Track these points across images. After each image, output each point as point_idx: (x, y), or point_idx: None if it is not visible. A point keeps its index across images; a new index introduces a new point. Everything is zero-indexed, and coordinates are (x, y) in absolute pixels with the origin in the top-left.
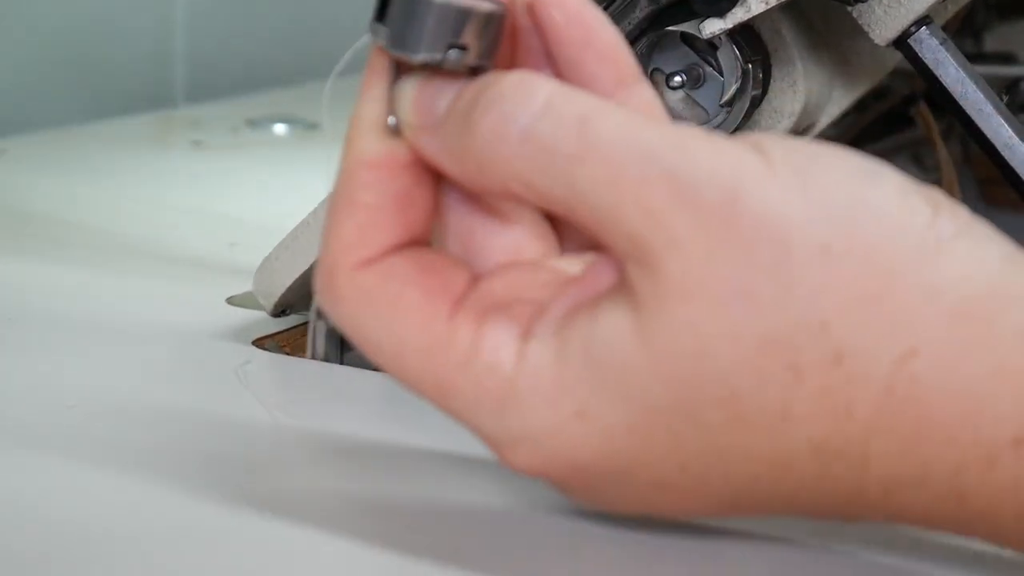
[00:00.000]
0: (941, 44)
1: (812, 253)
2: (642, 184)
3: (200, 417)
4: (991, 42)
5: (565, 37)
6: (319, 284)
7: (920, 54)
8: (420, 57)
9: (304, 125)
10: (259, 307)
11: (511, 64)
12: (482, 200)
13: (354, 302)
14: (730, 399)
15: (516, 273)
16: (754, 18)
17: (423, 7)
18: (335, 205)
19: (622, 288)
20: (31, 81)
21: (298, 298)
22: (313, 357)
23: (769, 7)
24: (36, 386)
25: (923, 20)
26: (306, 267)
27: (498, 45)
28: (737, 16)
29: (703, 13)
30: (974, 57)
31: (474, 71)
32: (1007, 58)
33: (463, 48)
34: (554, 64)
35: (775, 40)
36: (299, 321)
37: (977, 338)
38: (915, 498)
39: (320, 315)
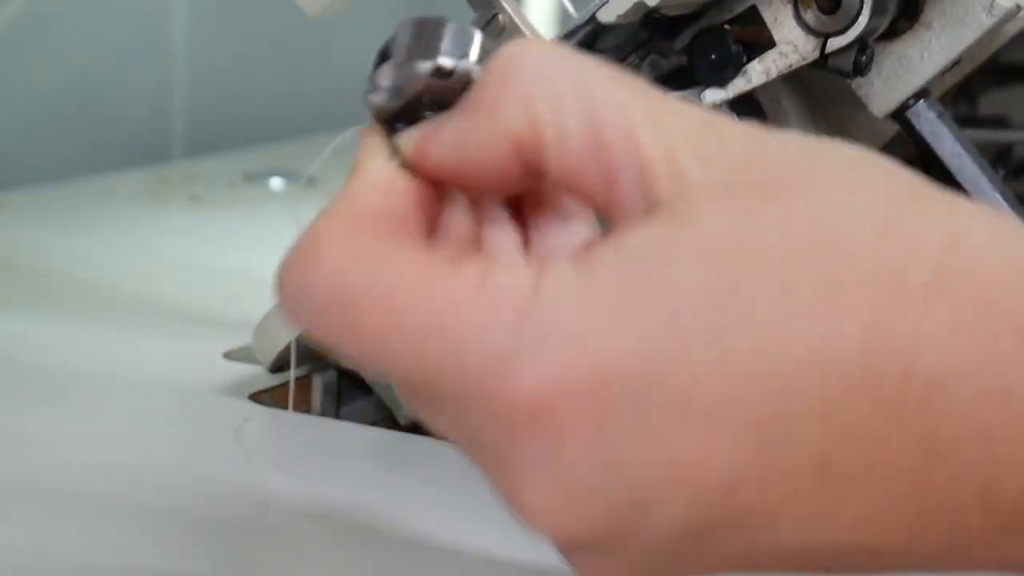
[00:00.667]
0: (938, 117)
1: None
2: None
3: (196, 476)
4: (986, 106)
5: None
6: (292, 258)
7: (917, 127)
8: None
9: (301, 180)
10: (255, 361)
11: None
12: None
13: (342, 250)
14: (780, 279)
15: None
16: (755, 88)
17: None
18: (333, 203)
19: (635, 219)
20: (30, 135)
21: (297, 354)
22: (309, 412)
23: (770, 78)
24: (33, 442)
25: (921, 93)
26: None
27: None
28: (738, 86)
29: (704, 82)
30: (969, 120)
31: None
32: (1001, 122)
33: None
34: None
35: (775, 109)
36: (297, 374)
37: (1017, 231)
38: (956, 400)
39: (319, 370)
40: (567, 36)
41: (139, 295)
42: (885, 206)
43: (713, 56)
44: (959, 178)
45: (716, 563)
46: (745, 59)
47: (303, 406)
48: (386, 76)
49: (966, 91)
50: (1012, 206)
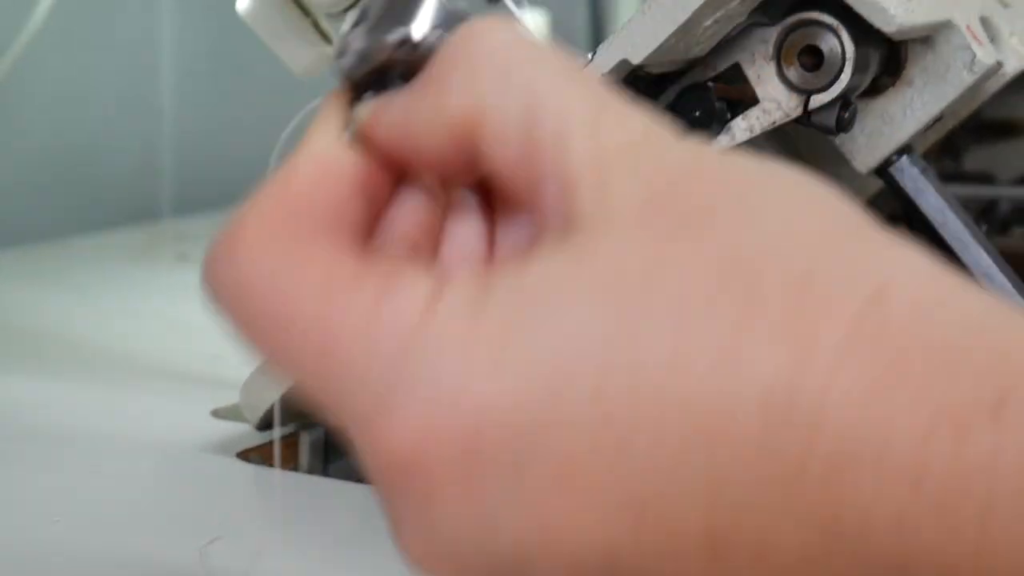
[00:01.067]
0: (922, 172)
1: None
2: None
3: (184, 534)
4: (970, 162)
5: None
6: (215, 242)
7: (901, 182)
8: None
9: None
10: (243, 419)
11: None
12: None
13: (253, 247)
14: (677, 328)
15: (428, 218)
16: (739, 144)
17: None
18: (261, 192)
19: (554, 233)
20: (18, 194)
21: (284, 412)
22: (297, 469)
23: (754, 135)
24: (20, 500)
25: (904, 149)
26: (292, 384)
27: None
28: (722, 143)
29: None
30: (954, 176)
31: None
32: (986, 178)
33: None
34: None
35: None
36: (283, 433)
37: (955, 287)
38: (863, 480)
39: (306, 428)
40: None
41: (127, 353)
42: (810, 247)
43: (697, 113)
44: (943, 233)
45: None
46: (729, 116)
47: (291, 464)
48: (356, 40)
49: (951, 147)
50: (996, 262)
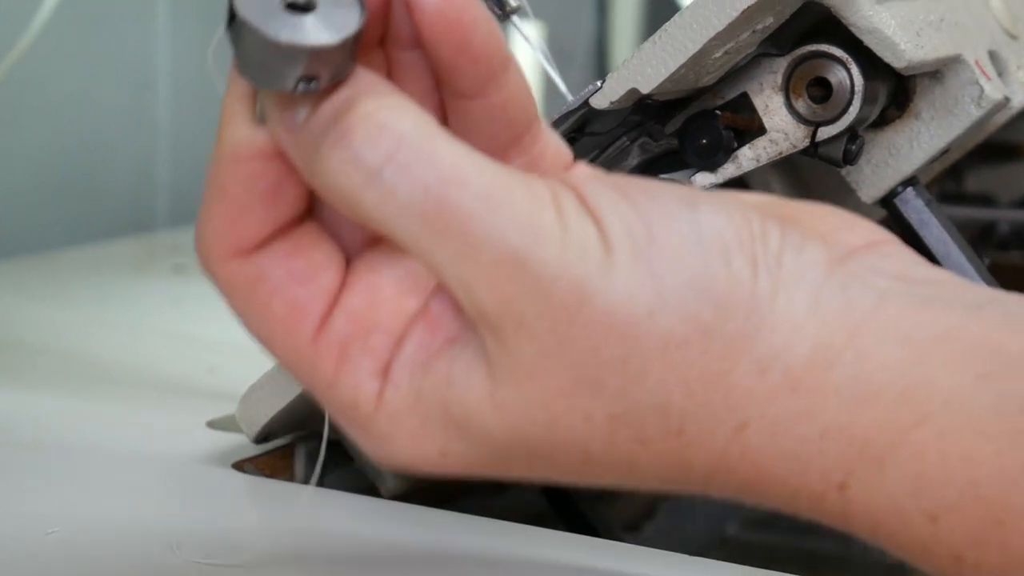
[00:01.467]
0: (926, 204)
1: (655, 347)
2: (495, 269)
3: (179, 545)
4: (972, 183)
5: (438, 35)
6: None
7: (905, 214)
8: (268, 90)
9: None
10: (239, 430)
11: (382, 58)
12: None
13: (228, 291)
14: (582, 459)
15: (375, 288)
16: (745, 172)
17: (262, 47)
18: (207, 193)
19: (474, 344)
20: (14, 205)
21: (282, 426)
22: (292, 480)
23: (760, 164)
24: (15, 512)
25: (909, 180)
26: (291, 398)
27: (355, 56)
28: (727, 172)
29: (695, 165)
30: (954, 197)
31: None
32: (987, 200)
33: (313, 78)
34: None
35: (765, 193)
36: (279, 444)
37: (802, 408)
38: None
39: (302, 439)
40: (561, 119)
41: (123, 364)
42: (681, 405)
43: (704, 141)
44: (945, 265)
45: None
46: (736, 145)
47: (286, 474)
48: (249, 35)
49: (952, 169)
50: None
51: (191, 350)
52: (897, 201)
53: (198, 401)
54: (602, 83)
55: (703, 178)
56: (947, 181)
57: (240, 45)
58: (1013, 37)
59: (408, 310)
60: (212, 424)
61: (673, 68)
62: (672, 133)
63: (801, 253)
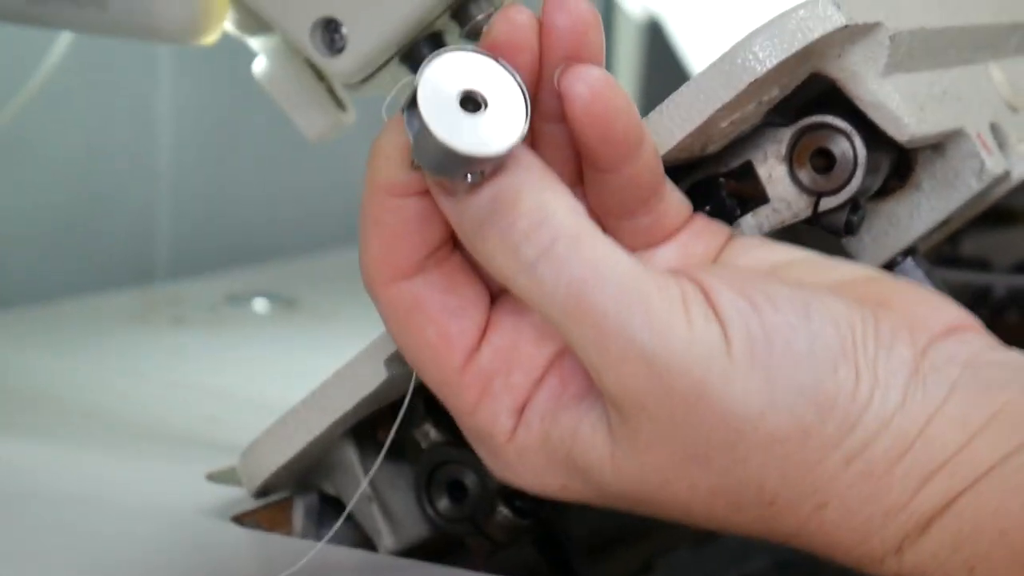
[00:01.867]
0: (925, 275)
1: (761, 440)
2: (622, 362)
3: None
4: (968, 247)
5: (584, 126)
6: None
7: None
8: (440, 178)
9: (284, 301)
10: (238, 482)
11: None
12: None
13: (388, 315)
14: (683, 514)
15: (519, 330)
16: None
17: (438, 149)
18: (363, 225)
19: (599, 408)
20: (14, 256)
21: (282, 480)
22: (291, 534)
23: (762, 232)
24: (16, 563)
25: (909, 250)
26: (293, 454)
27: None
28: None
29: None
30: (950, 260)
31: None
32: (982, 264)
33: (479, 173)
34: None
35: None
36: (278, 498)
37: (874, 491)
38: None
39: (300, 493)
40: None
41: (123, 416)
42: (773, 489)
43: (707, 207)
44: None
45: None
46: (739, 212)
47: (285, 528)
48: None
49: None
50: None
51: (192, 402)
52: (896, 270)
53: (199, 453)
54: None
55: None
56: (944, 245)
57: (417, 138)
58: (1014, 110)
59: (547, 354)
60: (211, 476)
61: (680, 137)
62: None
63: (891, 353)
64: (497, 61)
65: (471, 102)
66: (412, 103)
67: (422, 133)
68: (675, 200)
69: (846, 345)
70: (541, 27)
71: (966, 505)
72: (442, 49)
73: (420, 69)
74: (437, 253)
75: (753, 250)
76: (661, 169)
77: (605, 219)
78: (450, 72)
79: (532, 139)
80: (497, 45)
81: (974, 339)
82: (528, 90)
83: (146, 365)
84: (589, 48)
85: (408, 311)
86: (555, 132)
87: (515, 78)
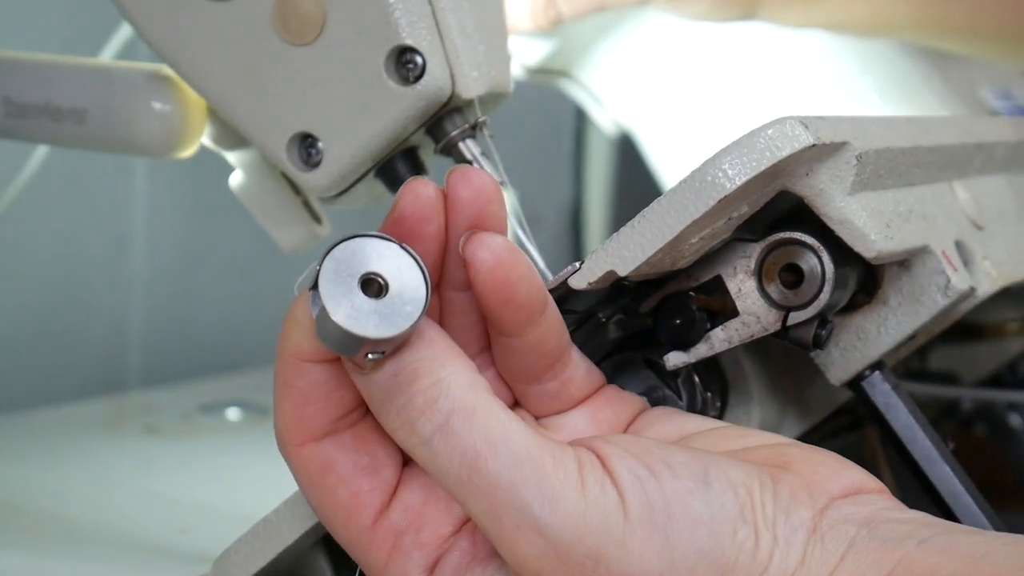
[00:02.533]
0: (893, 389)
1: None
2: (516, 531)
3: None
4: (936, 361)
5: (488, 291)
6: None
7: (872, 397)
8: (340, 355)
9: (258, 410)
10: None
11: (436, 299)
12: None
13: (300, 475)
14: None
15: (429, 487)
16: (718, 352)
17: (337, 330)
18: (276, 387)
19: (506, 570)
20: None
21: None
22: None
23: (732, 346)
24: None
25: (876, 364)
26: (265, 563)
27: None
28: (700, 352)
29: (668, 344)
30: (919, 374)
31: None
32: (950, 378)
33: (380, 352)
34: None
35: (736, 372)
36: None
37: None
38: None
39: None
40: None
41: (94, 525)
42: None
43: (678, 321)
44: (911, 449)
45: None
46: (708, 326)
47: None
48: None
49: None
50: (961, 481)
51: (163, 512)
52: (864, 384)
53: (170, 563)
54: (581, 264)
55: (676, 357)
56: (912, 359)
57: (319, 319)
58: (979, 228)
59: (457, 513)
60: None
61: (650, 252)
62: (647, 312)
63: (790, 514)
64: (400, 245)
65: (373, 285)
66: (315, 285)
67: (323, 315)
68: (583, 367)
69: (745, 508)
70: (446, 199)
71: None
72: (347, 235)
73: (323, 253)
74: (349, 416)
75: (665, 420)
76: (566, 335)
77: (513, 384)
78: (353, 256)
79: (440, 308)
80: (404, 217)
81: (876, 500)
82: (433, 264)
83: (118, 474)
84: (492, 217)
85: (319, 471)
86: (462, 300)
87: (416, 261)
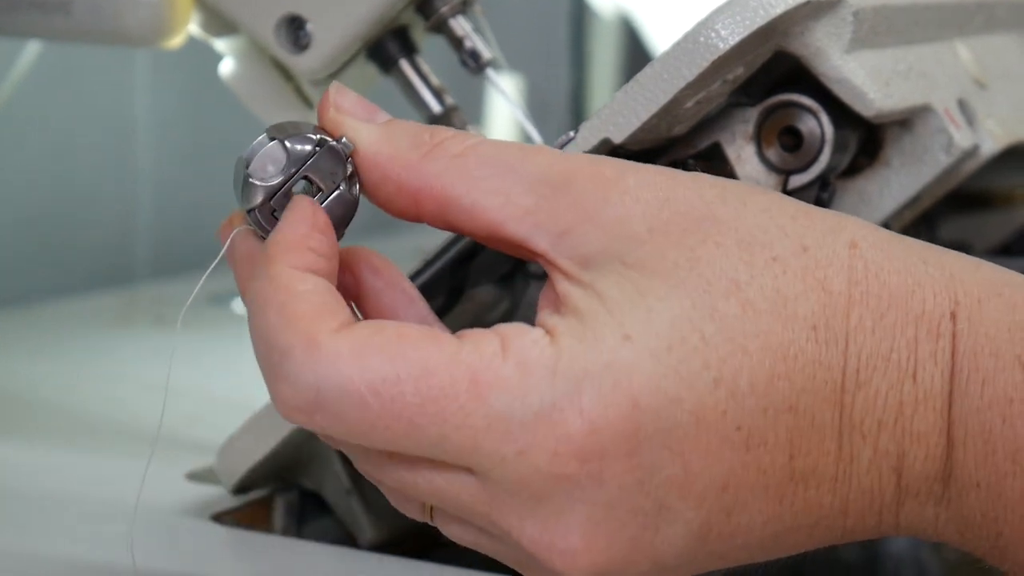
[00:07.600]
0: None
1: None
2: None
3: None
4: (946, 231)
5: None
6: (290, 363)
7: None
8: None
9: None
10: (218, 482)
11: None
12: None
13: (354, 353)
14: (735, 290)
15: None
16: None
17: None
18: (271, 303)
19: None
20: None
21: (260, 477)
22: (272, 531)
23: None
24: None
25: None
26: (269, 449)
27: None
28: None
29: None
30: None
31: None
32: (962, 247)
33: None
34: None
35: None
36: (258, 496)
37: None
38: (879, 382)
39: (280, 491)
40: None
41: (103, 416)
42: (794, 231)
43: None
44: None
45: (709, 563)
46: None
47: (264, 525)
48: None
49: (927, 217)
50: None
51: (171, 401)
52: None
53: (179, 453)
54: (575, 133)
55: None
56: (922, 230)
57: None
58: (982, 86)
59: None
60: (191, 476)
61: (645, 118)
62: None
63: None
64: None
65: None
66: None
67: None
68: None
69: None
70: None
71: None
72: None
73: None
74: None
75: None
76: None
77: None
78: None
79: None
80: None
81: None
82: None
83: (127, 366)
84: None
85: (376, 331)
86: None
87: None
